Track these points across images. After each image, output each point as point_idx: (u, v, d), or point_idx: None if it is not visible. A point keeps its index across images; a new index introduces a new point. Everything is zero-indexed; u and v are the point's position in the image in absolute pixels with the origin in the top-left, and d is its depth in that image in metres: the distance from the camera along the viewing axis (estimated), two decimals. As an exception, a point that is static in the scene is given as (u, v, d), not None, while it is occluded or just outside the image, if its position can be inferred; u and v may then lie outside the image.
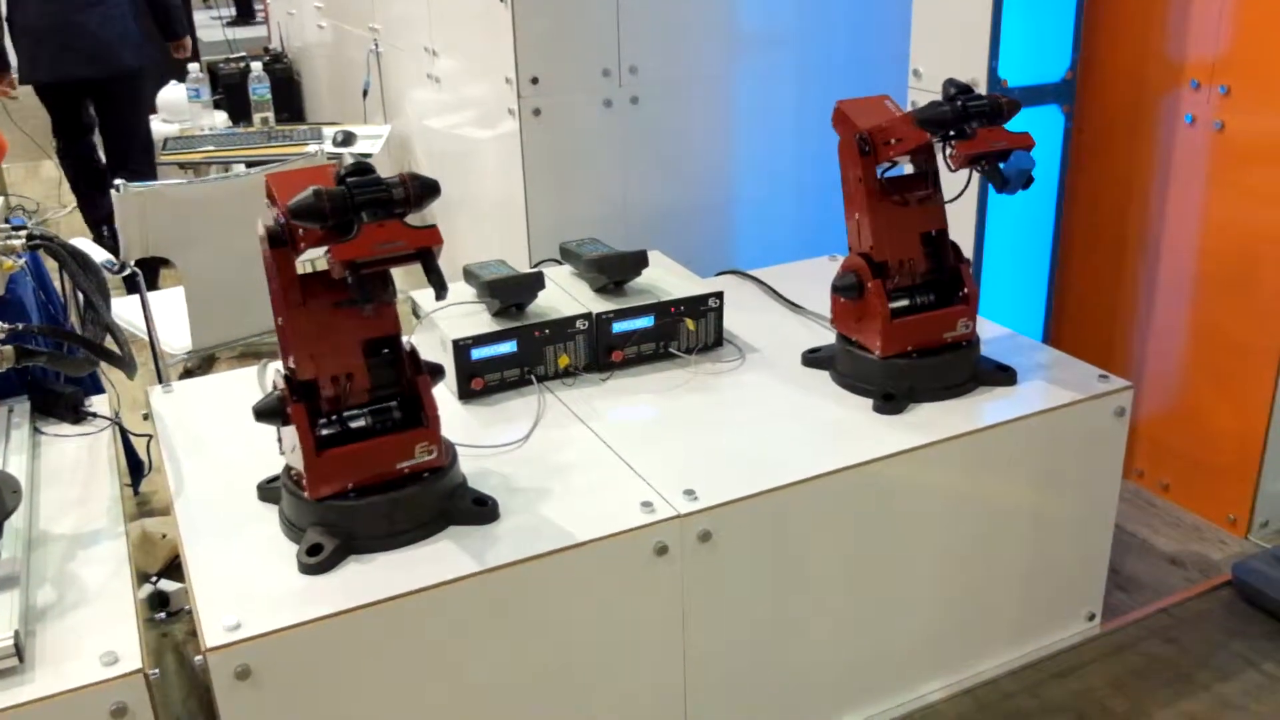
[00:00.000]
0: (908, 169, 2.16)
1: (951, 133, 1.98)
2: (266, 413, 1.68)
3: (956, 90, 1.97)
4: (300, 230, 1.59)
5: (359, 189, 1.51)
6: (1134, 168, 2.78)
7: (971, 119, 1.95)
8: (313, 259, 1.66)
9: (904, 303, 2.14)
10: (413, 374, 1.75)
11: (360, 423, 1.72)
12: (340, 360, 1.70)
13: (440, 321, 2.20)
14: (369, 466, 1.71)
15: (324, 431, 1.69)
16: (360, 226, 1.50)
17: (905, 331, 2.12)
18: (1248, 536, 2.71)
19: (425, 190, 1.55)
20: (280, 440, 1.78)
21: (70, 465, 1.98)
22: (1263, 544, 2.66)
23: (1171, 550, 2.68)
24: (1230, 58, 2.51)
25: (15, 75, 4.55)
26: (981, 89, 2.60)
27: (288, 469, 1.77)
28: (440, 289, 1.54)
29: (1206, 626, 2.39)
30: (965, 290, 2.13)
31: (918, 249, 2.14)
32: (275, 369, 1.87)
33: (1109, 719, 2.15)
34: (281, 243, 1.63)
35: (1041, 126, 2.76)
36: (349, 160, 1.59)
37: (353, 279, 1.49)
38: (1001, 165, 1.96)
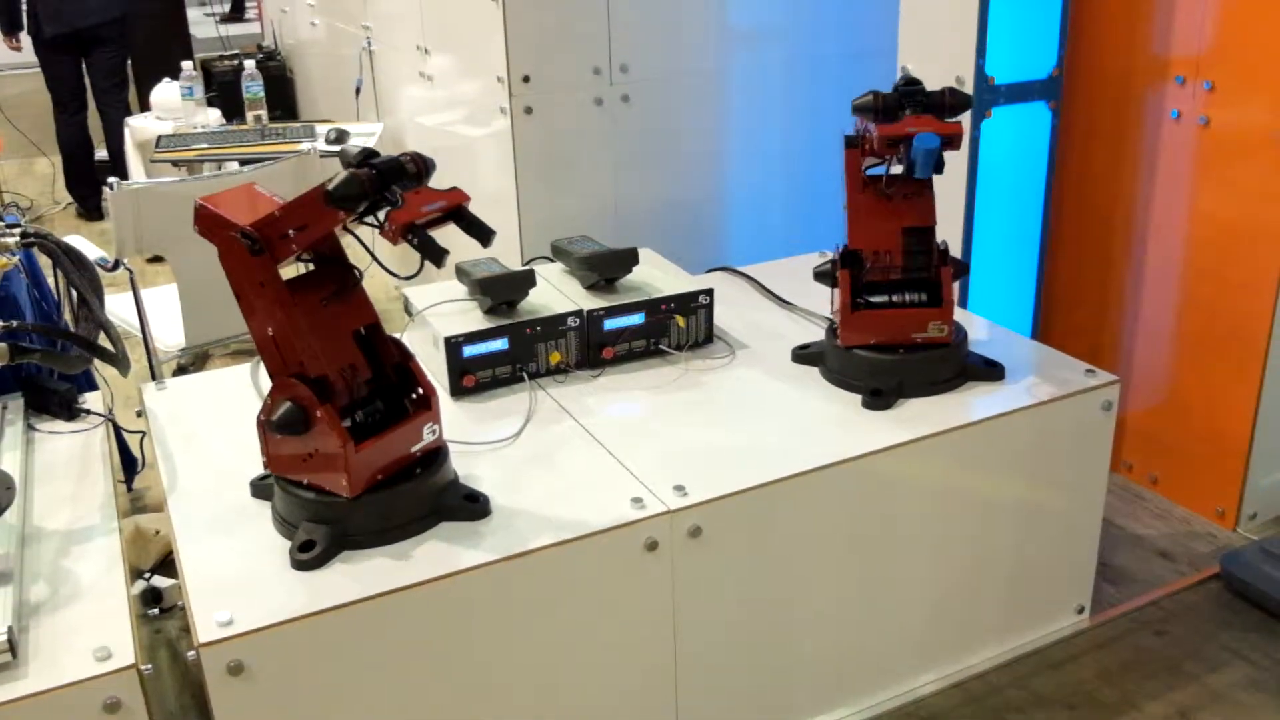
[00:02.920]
0: (895, 168, 2.17)
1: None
2: (290, 424, 1.67)
3: (904, 82, 2.02)
4: (291, 232, 1.61)
5: (386, 166, 1.58)
6: (1120, 163, 2.79)
7: (904, 108, 1.99)
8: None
9: (880, 297, 2.15)
10: (402, 358, 1.78)
11: (358, 415, 1.74)
12: (342, 354, 1.72)
13: (432, 319, 2.21)
14: (392, 455, 1.74)
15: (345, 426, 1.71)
16: (404, 196, 1.58)
17: (866, 324, 2.14)
18: (1236, 529, 2.72)
19: (428, 165, 1.63)
20: (266, 449, 1.76)
21: (64, 462, 1.99)
22: (1251, 536, 2.68)
23: (1160, 543, 2.70)
24: (1215, 53, 2.53)
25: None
26: (968, 85, 2.61)
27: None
28: (486, 234, 1.63)
29: (1195, 619, 2.41)
30: (944, 295, 2.14)
31: (895, 243, 2.15)
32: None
33: (1099, 711, 2.17)
34: (259, 252, 1.64)
35: (1028, 123, 2.78)
36: (353, 150, 1.62)
37: (418, 240, 1.58)
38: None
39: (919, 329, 2.13)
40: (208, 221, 1.67)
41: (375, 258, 1.73)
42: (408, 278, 1.73)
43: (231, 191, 1.71)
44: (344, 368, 1.72)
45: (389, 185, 1.57)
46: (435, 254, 1.59)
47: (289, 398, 1.68)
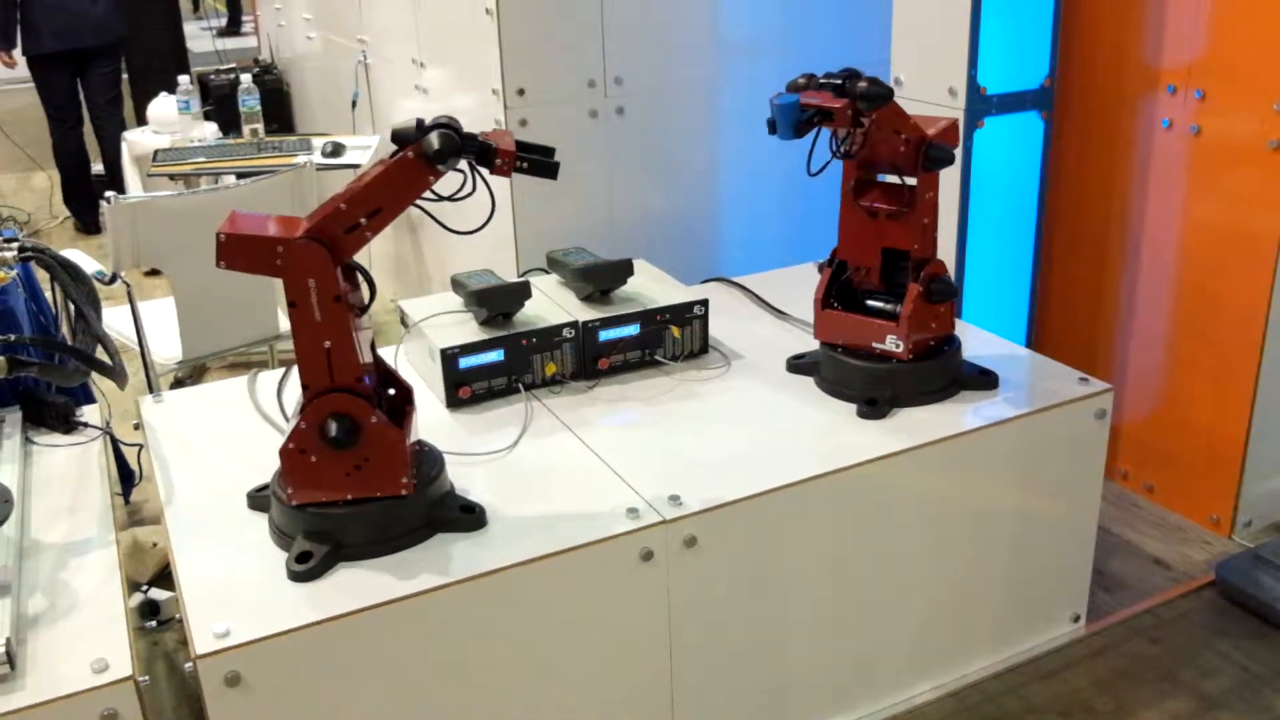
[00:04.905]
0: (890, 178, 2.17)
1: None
2: (349, 435, 1.68)
3: (844, 70, 2.03)
4: (363, 220, 1.64)
5: (449, 123, 1.65)
6: (1113, 172, 2.80)
7: (819, 88, 2.02)
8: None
9: (835, 304, 2.20)
10: (375, 361, 1.84)
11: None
12: (367, 362, 1.76)
13: (428, 331, 2.22)
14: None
15: None
16: (486, 136, 1.68)
17: (832, 323, 2.20)
18: (1231, 536, 2.73)
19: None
20: (298, 478, 1.72)
21: (61, 474, 1.99)
22: (1245, 544, 2.68)
23: (1155, 551, 2.70)
24: (1205, 63, 2.54)
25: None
26: (961, 96, 2.63)
27: (281, 477, 1.79)
28: (549, 152, 1.72)
29: (1190, 626, 2.42)
30: (903, 311, 2.13)
31: (874, 260, 2.18)
32: (273, 389, 1.86)
33: (1094, 719, 2.17)
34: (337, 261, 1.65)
35: (1021, 133, 2.79)
36: (405, 125, 1.66)
37: (528, 163, 1.70)
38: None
39: (878, 339, 2.15)
40: (250, 247, 1.64)
41: (440, 222, 1.75)
42: (471, 232, 1.78)
43: (232, 220, 1.68)
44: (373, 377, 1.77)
45: (469, 135, 1.65)
46: (549, 168, 1.71)
47: (341, 412, 1.68)
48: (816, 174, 2.07)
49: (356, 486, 1.72)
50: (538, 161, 1.70)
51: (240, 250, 1.64)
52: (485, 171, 1.69)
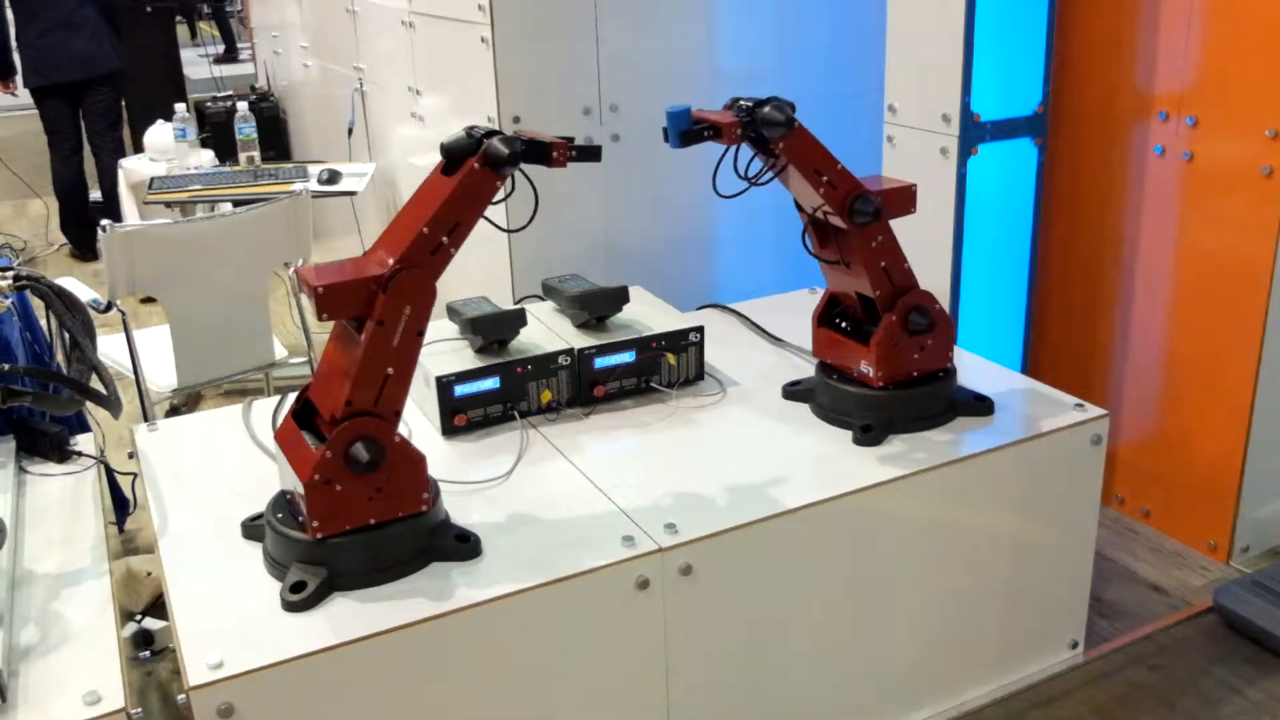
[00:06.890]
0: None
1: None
2: (377, 458, 1.69)
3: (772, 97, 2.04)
4: (444, 240, 1.70)
5: (491, 130, 1.72)
6: (1106, 198, 2.81)
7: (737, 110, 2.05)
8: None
9: (842, 324, 2.23)
10: None
11: None
12: None
13: (423, 358, 2.21)
14: None
15: None
16: (534, 134, 1.78)
17: (824, 342, 2.24)
18: (1229, 562, 2.73)
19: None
20: (322, 507, 1.70)
21: (55, 504, 1.98)
22: (1243, 569, 2.68)
23: (1153, 577, 2.70)
24: (1197, 90, 2.55)
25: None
26: (955, 123, 2.64)
27: (277, 505, 1.79)
28: (571, 139, 1.78)
29: (1189, 653, 2.41)
30: (879, 339, 2.14)
31: (852, 300, 2.20)
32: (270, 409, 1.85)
33: (1092, 746, 2.16)
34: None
35: (1015, 159, 2.80)
36: (455, 137, 1.70)
37: (577, 151, 1.78)
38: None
39: (856, 363, 2.17)
40: (349, 292, 1.66)
41: (494, 223, 1.79)
42: (519, 229, 1.86)
43: (315, 274, 1.69)
44: None
45: (520, 137, 1.72)
46: (594, 151, 1.81)
47: (369, 435, 1.69)
48: (729, 197, 2.11)
49: (379, 510, 1.73)
50: (583, 148, 1.77)
51: (339, 298, 1.66)
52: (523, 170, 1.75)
